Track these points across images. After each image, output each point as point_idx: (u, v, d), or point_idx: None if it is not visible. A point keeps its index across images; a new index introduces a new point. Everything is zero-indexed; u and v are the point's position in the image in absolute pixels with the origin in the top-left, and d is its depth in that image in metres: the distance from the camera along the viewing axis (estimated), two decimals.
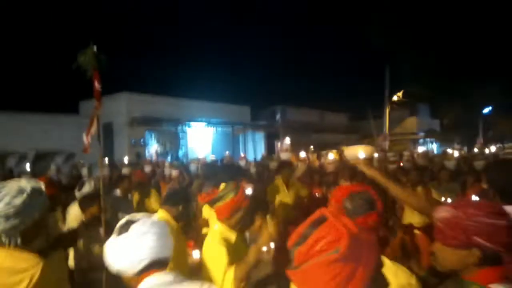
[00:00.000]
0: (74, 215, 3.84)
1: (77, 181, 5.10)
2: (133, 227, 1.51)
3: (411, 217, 4.75)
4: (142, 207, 5.31)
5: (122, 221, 1.57)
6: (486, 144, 13.82)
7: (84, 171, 8.28)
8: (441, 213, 1.40)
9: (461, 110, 21.93)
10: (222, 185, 2.64)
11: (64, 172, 9.32)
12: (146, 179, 6.57)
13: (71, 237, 2.58)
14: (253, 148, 20.08)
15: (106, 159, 8.99)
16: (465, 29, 19.24)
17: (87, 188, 4.03)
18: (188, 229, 3.55)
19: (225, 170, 5.39)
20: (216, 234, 2.41)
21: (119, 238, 1.51)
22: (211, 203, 2.49)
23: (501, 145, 11.73)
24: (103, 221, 3.54)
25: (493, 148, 11.08)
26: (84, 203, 3.72)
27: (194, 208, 4.48)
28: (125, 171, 6.86)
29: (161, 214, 2.96)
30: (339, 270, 1.07)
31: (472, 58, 19.61)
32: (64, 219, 4.02)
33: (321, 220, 1.16)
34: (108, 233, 1.64)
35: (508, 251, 1.31)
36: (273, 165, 7.81)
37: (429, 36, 19.75)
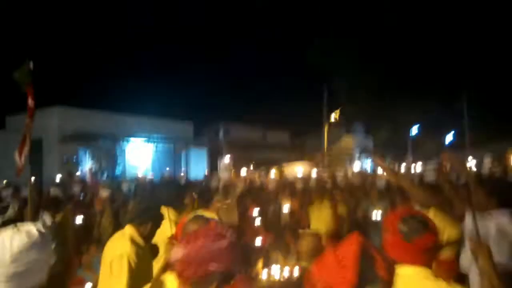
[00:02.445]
0: None
1: None
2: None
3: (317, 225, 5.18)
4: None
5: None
6: (414, 162, 14.83)
7: (7, 193, 7.57)
8: (175, 255, 1.38)
9: (391, 129, 23.56)
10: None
11: None
12: (54, 202, 5.98)
13: None
14: (196, 166, 19.81)
15: (33, 178, 8.30)
16: (395, 56, 20.99)
17: (10, 212, 3.73)
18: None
19: (163, 189, 5.24)
20: None
21: None
22: None
23: (424, 164, 12.53)
24: None
25: (418, 167, 11.92)
26: None
27: None
28: (54, 192, 6.41)
29: (129, 231, 2.69)
30: None
31: (401, 80, 21.38)
32: None
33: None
34: None
35: (237, 266, 1.38)
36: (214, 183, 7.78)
37: (362, 60, 21.24)
